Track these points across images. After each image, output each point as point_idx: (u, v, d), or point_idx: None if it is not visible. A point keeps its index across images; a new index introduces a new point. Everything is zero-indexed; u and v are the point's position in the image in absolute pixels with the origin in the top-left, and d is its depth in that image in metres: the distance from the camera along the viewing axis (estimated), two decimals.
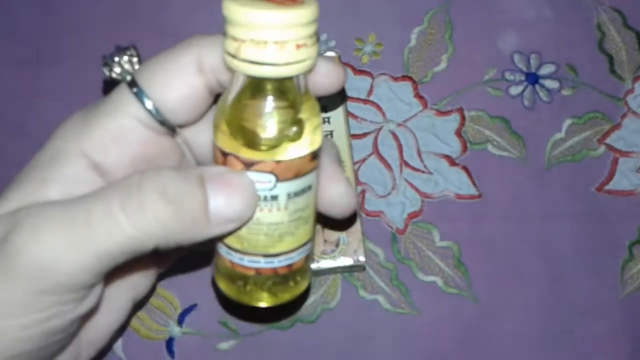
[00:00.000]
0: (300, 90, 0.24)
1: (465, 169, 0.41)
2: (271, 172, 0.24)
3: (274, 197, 0.24)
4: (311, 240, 0.27)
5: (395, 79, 0.43)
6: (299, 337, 0.38)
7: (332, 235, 0.37)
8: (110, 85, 0.27)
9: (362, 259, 0.37)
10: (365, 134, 0.42)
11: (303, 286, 0.28)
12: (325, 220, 0.34)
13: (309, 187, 0.25)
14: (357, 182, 0.40)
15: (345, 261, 0.37)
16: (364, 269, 0.39)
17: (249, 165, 0.24)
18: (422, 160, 0.41)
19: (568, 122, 0.42)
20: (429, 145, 0.41)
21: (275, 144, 0.24)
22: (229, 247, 0.26)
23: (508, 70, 0.43)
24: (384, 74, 0.43)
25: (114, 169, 0.26)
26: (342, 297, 0.39)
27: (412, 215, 0.40)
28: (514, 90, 0.42)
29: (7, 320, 0.23)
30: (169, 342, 0.38)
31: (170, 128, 0.27)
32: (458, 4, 0.44)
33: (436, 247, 0.40)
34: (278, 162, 0.24)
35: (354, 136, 0.41)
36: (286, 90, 0.24)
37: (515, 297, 0.39)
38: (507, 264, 0.39)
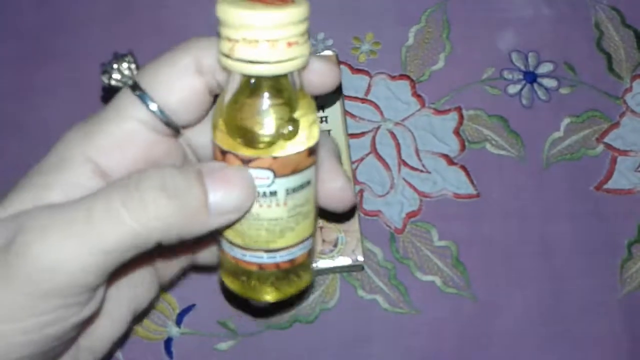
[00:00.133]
0: (295, 87, 0.25)
1: (463, 168, 0.41)
2: (269, 168, 0.24)
3: (273, 193, 0.25)
4: (313, 235, 0.28)
5: (393, 77, 0.43)
6: (298, 337, 0.38)
7: (331, 235, 0.37)
8: (109, 92, 0.27)
9: (360, 258, 0.37)
10: (363, 133, 0.42)
11: (306, 280, 0.29)
12: (323, 214, 0.34)
13: (308, 183, 0.26)
14: (355, 181, 0.40)
15: (344, 261, 0.37)
16: (363, 268, 0.39)
17: (247, 162, 0.24)
18: (420, 160, 0.41)
19: (566, 120, 0.42)
20: (427, 144, 0.41)
21: (271, 141, 0.24)
22: (232, 243, 0.27)
23: (506, 69, 0.43)
24: (382, 72, 0.43)
25: (119, 173, 0.26)
26: (341, 297, 0.39)
27: (411, 215, 0.40)
28: (512, 89, 0.42)
29: (8, 324, 0.23)
30: (167, 343, 0.38)
31: (175, 129, 0.27)
32: (456, 3, 0.44)
33: (434, 246, 0.40)
34: (275, 158, 0.24)
35: (352, 135, 0.41)
36: (281, 88, 0.24)
37: (514, 296, 0.39)
38: (505, 263, 0.39)
